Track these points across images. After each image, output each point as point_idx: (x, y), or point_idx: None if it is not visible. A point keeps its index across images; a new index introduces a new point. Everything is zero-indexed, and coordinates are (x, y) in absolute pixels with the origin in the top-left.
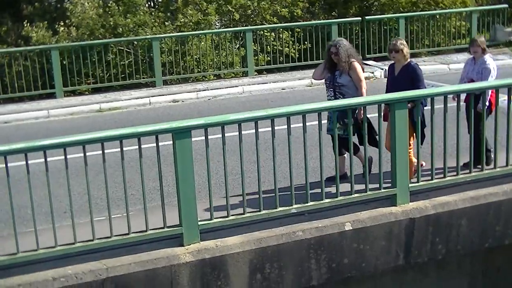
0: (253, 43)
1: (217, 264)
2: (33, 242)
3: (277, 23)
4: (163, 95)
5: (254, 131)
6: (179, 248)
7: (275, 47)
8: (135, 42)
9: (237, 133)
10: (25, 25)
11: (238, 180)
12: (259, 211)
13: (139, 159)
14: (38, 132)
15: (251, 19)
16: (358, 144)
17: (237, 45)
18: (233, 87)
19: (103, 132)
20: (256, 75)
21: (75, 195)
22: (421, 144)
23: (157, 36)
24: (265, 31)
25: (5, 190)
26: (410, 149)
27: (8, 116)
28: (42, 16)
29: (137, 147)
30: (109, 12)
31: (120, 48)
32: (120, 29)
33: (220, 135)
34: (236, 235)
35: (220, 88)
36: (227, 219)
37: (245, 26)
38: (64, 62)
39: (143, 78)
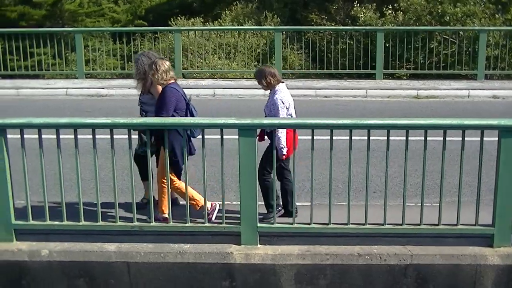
0: None
1: None
2: (343, 215)
3: None
4: (484, 89)
5: None
6: (487, 249)
7: None
8: (461, 32)
9: None
10: (355, 5)
11: None
12: None
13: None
14: (355, 110)
15: None
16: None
17: None
18: None
19: (427, 120)
20: None
21: (375, 177)
22: (179, 178)
23: (485, 28)
24: None
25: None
26: (164, 184)
27: (329, 91)
28: None
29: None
30: (439, 0)
31: (444, 36)
32: (447, 17)
33: None
34: None
35: None
36: None
37: None
38: (387, 45)
39: (464, 69)
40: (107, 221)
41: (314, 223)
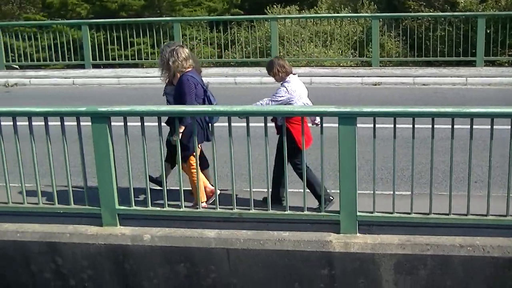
0: None
1: None
2: (444, 205)
3: None
4: None
5: None
6: None
7: None
8: None
9: None
10: None
11: None
12: None
13: None
14: (455, 98)
15: None
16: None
17: None
18: None
19: None
20: None
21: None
22: (182, 167)
23: None
24: None
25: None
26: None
27: (427, 79)
28: None
29: None
30: None
31: None
32: None
33: None
34: None
35: None
36: None
37: None
38: (488, 31)
39: None
40: (207, 207)
41: (414, 213)
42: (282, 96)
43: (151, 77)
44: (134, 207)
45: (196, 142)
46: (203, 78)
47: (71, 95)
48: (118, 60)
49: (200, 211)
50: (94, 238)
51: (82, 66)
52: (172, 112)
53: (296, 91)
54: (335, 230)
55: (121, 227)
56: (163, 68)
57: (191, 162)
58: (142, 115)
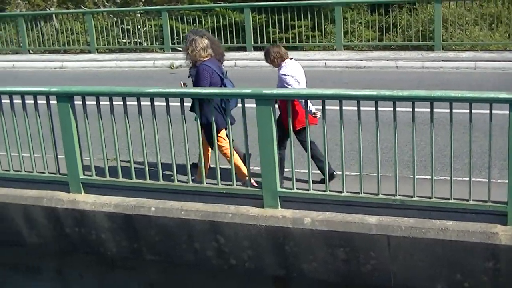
0: None
1: None
2: None
3: None
4: None
5: None
6: None
7: None
8: None
9: None
10: None
11: None
12: None
13: None
14: None
15: None
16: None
17: None
18: None
19: None
20: None
21: None
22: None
23: None
24: None
25: None
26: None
27: None
28: None
29: None
30: None
31: None
32: None
33: None
34: None
35: None
36: None
37: None
38: None
39: None
40: (368, 193)
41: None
42: (292, 84)
43: (312, 60)
44: (295, 190)
45: (215, 126)
46: (225, 63)
47: (232, 77)
48: (279, 42)
49: (361, 196)
50: (255, 219)
51: (243, 49)
52: (337, 95)
53: (296, 75)
54: (502, 222)
55: (282, 209)
56: (188, 53)
57: (220, 144)
58: (306, 98)
